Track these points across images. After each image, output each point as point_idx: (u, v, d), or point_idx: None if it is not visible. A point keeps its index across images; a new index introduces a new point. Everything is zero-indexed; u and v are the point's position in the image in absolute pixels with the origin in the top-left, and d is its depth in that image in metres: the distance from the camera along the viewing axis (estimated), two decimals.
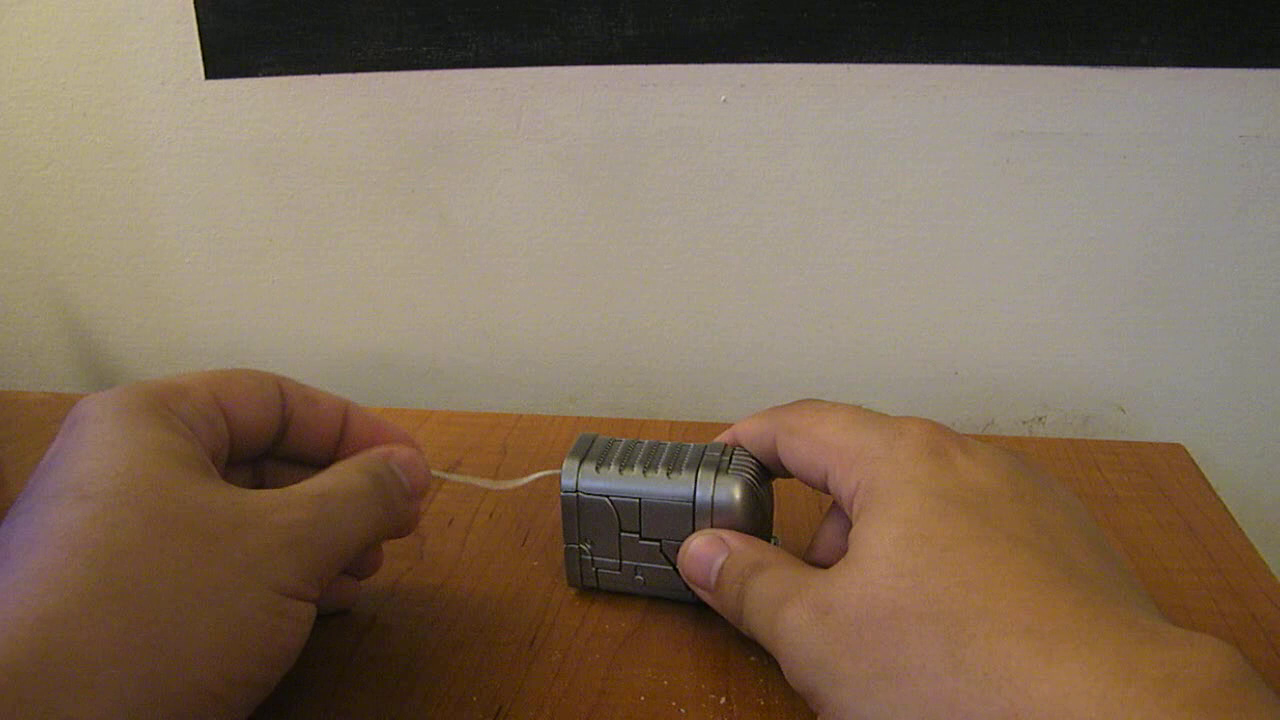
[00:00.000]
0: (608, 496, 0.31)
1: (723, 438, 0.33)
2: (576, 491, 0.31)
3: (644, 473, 0.31)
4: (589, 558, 0.33)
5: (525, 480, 0.33)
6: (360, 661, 0.31)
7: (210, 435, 0.27)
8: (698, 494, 0.30)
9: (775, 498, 0.33)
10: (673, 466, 0.31)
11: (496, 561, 0.36)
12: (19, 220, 0.59)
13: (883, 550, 0.24)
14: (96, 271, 0.59)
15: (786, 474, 0.31)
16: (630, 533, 0.32)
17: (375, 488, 0.29)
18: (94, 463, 0.23)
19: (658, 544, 0.31)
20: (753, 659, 0.31)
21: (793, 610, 0.25)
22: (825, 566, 0.30)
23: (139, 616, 0.21)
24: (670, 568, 0.32)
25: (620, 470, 0.31)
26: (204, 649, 0.22)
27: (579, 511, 0.32)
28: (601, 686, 0.30)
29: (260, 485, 0.32)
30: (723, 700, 0.29)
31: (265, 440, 0.30)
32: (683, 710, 0.29)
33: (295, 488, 0.27)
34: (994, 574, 0.22)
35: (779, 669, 0.27)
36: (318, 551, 0.26)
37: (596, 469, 0.31)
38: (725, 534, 0.30)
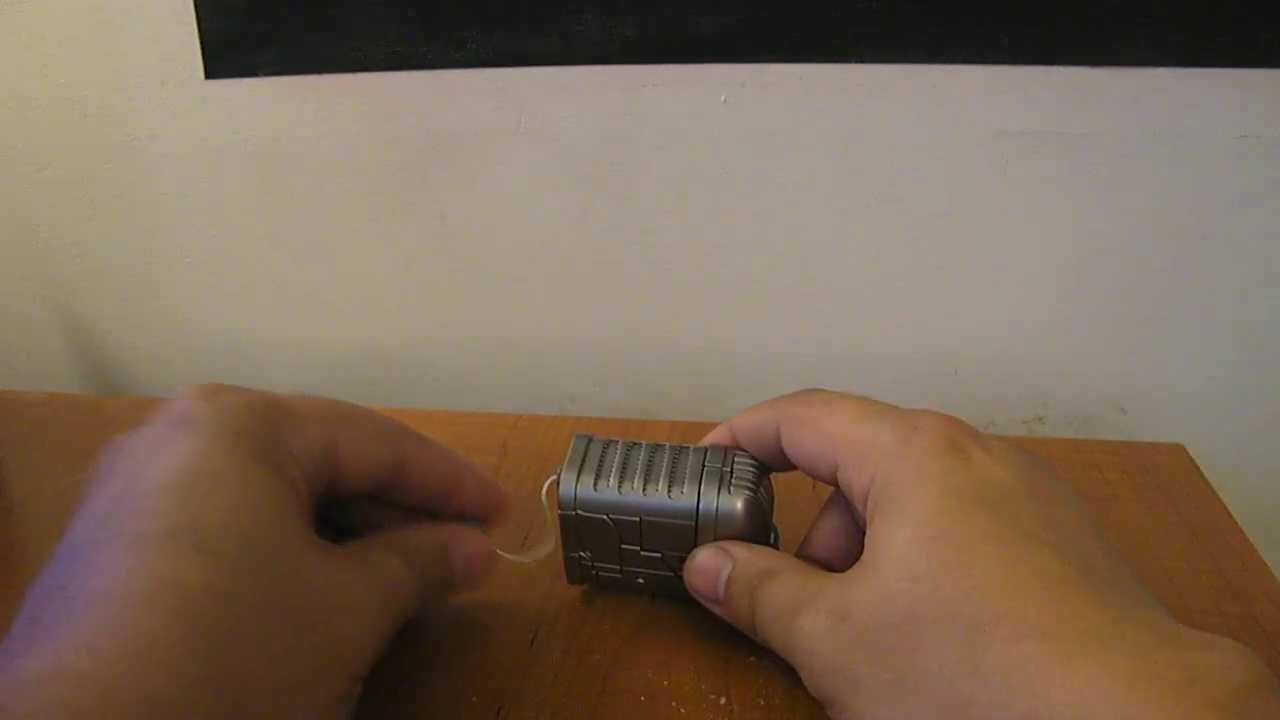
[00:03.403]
0: (607, 514, 0.30)
1: (720, 430, 0.32)
2: (575, 509, 0.31)
3: (644, 487, 0.30)
4: (589, 564, 0.32)
5: (546, 549, 0.32)
6: None
7: (316, 482, 0.27)
8: (700, 510, 0.29)
9: (775, 491, 0.32)
10: (673, 479, 0.30)
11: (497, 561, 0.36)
12: (19, 221, 0.59)
13: (898, 553, 0.24)
14: (96, 271, 0.59)
15: (788, 467, 0.30)
16: (631, 546, 0.31)
17: (421, 585, 0.28)
18: (211, 500, 0.23)
19: (659, 556, 0.31)
20: (752, 659, 0.31)
21: (808, 618, 0.25)
22: (823, 560, 0.30)
23: (237, 706, 0.21)
24: (672, 574, 0.31)
25: (619, 485, 0.30)
26: None
27: (577, 527, 0.31)
28: (601, 686, 0.30)
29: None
30: (723, 700, 0.29)
31: (359, 492, 0.29)
32: (683, 710, 0.29)
33: (381, 574, 0.27)
34: (1011, 575, 0.22)
35: (779, 669, 0.27)
36: (386, 641, 0.26)
37: (595, 484, 0.30)
38: (729, 544, 0.29)
